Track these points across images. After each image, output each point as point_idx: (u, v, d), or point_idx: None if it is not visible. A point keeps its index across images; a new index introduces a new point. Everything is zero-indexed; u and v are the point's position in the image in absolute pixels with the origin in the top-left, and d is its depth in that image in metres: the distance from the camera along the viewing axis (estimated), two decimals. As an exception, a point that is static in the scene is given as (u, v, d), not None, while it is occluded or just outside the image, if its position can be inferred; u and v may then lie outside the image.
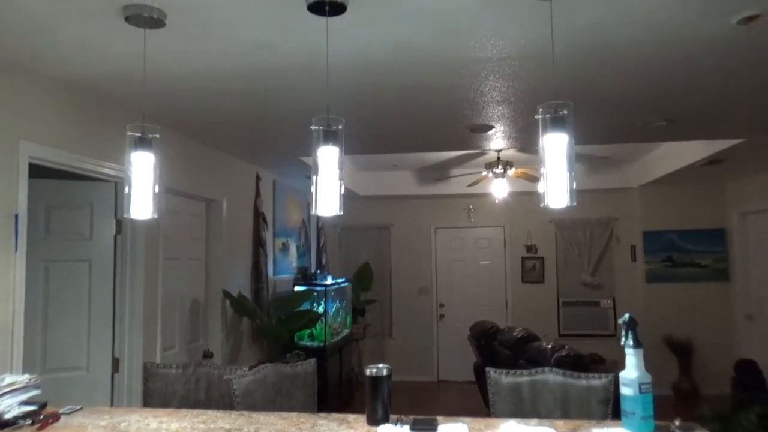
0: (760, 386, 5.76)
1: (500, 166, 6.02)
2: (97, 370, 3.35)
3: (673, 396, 6.94)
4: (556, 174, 1.82)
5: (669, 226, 7.30)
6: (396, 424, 1.84)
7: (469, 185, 6.72)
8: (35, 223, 3.23)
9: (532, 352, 4.24)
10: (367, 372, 1.93)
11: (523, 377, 2.40)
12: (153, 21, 2.03)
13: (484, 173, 6.20)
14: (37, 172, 2.90)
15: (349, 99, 3.26)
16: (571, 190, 1.83)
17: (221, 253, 4.67)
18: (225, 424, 1.93)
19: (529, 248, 8.11)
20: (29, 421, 1.96)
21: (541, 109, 1.81)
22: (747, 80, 3.09)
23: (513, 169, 6.10)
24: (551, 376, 2.37)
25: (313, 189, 1.92)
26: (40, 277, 3.24)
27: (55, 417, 2.01)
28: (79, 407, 2.16)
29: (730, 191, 7.08)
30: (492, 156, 6.18)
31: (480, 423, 1.90)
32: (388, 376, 1.94)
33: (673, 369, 6.97)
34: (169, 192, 3.95)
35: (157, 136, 2.15)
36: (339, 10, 2.02)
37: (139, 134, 2.11)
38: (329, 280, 6.19)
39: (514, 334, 5.06)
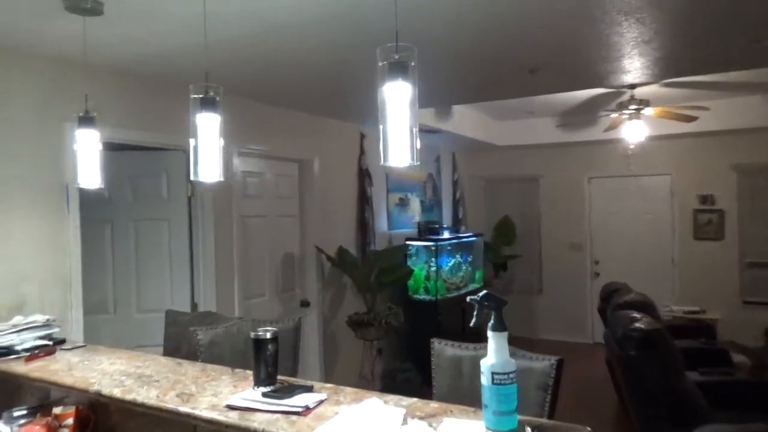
0: None
1: (632, 106, 5.18)
2: (178, 313, 3.91)
3: None
4: (396, 129, 1.59)
5: None
6: (259, 387, 1.86)
7: (605, 130, 5.92)
8: (123, 189, 3.86)
9: (616, 320, 3.69)
10: (252, 335, 1.96)
11: (466, 351, 2.16)
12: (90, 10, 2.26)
13: (614, 115, 5.40)
14: (120, 146, 3.47)
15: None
16: (414, 147, 1.58)
17: (315, 210, 4.95)
18: (150, 371, 2.15)
19: (704, 199, 6.87)
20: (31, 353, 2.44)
21: (379, 54, 1.58)
22: None
23: (649, 109, 5.20)
24: (493, 353, 2.09)
25: (191, 153, 1.99)
26: (131, 234, 3.88)
27: (50, 351, 2.46)
28: (82, 344, 2.62)
29: None
30: (626, 94, 5.34)
31: (348, 395, 1.81)
32: (273, 339, 1.94)
33: None
34: (252, 155, 4.33)
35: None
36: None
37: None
38: (446, 234, 6.11)
39: (626, 298, 4.45)
